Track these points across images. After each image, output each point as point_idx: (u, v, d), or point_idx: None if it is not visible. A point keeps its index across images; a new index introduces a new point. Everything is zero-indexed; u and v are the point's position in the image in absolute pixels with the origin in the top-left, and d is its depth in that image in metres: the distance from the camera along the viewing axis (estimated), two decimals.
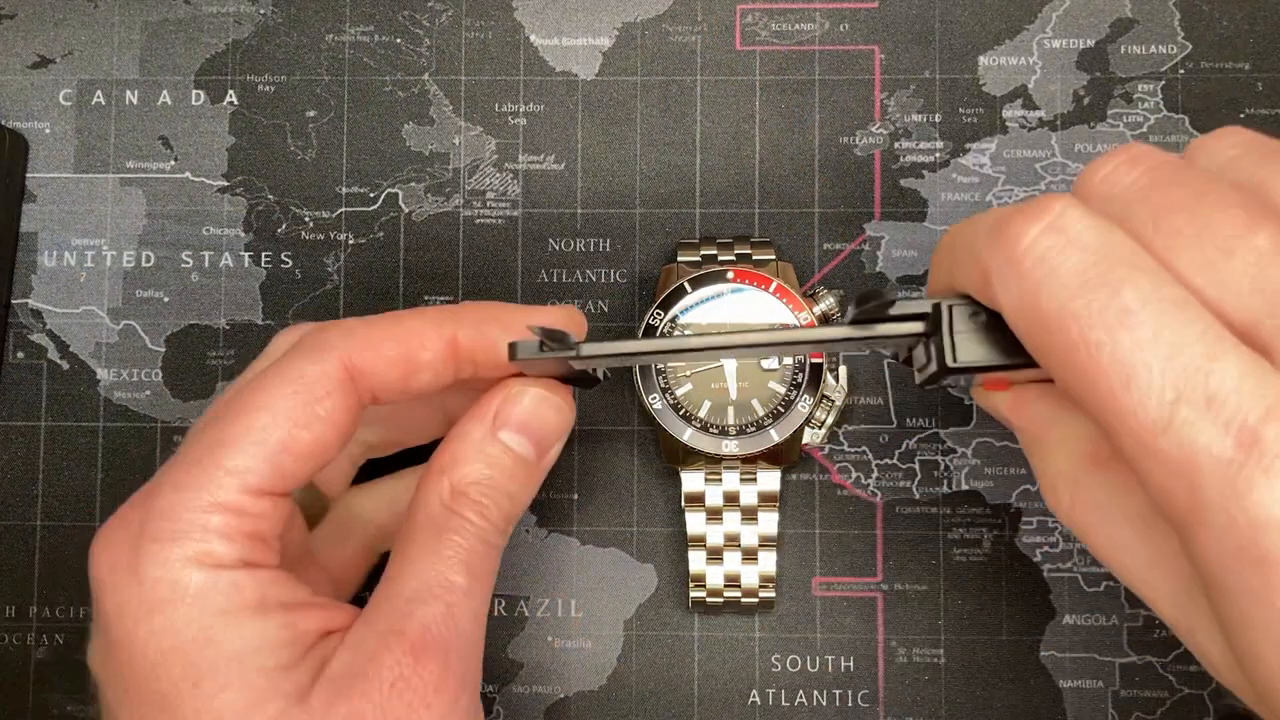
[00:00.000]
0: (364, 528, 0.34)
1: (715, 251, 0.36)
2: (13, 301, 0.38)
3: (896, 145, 0.38)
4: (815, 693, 0.37)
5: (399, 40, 0.39)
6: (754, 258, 0.36)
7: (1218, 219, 0.21)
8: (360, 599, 0.34)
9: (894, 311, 0.25)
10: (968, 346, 0.24)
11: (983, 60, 0.39)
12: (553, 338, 0.27)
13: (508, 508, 0.28)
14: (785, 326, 0.29)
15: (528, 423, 0.29)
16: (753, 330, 0.27)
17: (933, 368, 0.25)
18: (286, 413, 0.26)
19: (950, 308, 0.25)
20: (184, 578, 0.25)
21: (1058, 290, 0.21)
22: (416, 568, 0.27)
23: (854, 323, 0.26)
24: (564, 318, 0.30)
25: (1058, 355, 0.21)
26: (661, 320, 0.35)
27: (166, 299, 0.38)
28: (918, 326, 0.25)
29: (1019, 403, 0.28)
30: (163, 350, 0.38)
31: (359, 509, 0.34)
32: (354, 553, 0.33)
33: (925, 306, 0.25)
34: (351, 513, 0.33)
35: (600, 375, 0.31)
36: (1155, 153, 0.23)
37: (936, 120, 0.38)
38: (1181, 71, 0.38)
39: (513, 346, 0.27)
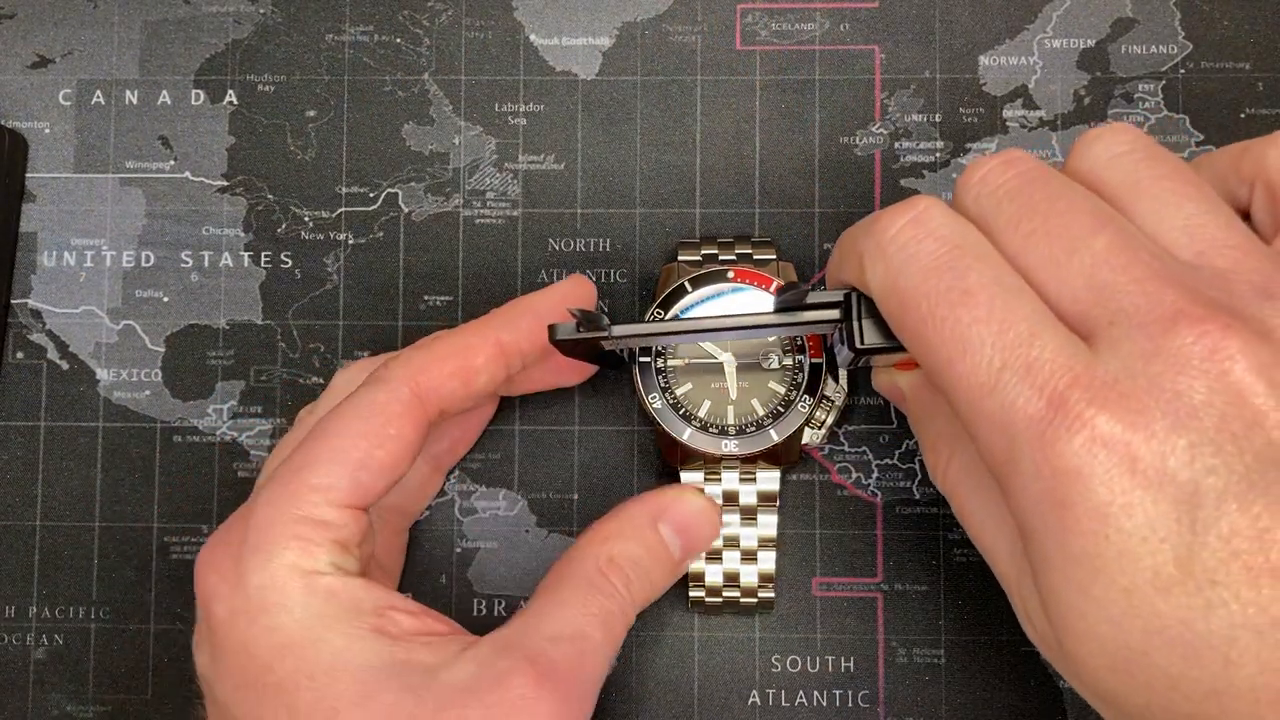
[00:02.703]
0: (381, 511, 0.35)
1: (716, 251, 0.36)
2: (12, 301, 0.38)
3: (896, 145, 0.38)
4: (815, 693, 0.37)
5: (399, 40, 0.39)
6: (754, 257, 0.36)
7: (1067, 221, 0.24)
8: (415, 588, 0.37)
9: (811, 300, 0.29)
10: (873, 331, 0.28)
11: (983, 60, 0.38)
12: (589, 319, 0.30)
13: (648, 590, 0.31)
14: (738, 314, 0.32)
15: (686, 527, 0.32)
16: (716, 317, 0.31)
17: (846, 350, 0.29)
18: (362, 435, 0.29)
19: (859, 297, 0.28)
20: (286, 583, 0.28)
21: (914, 272, 0.25)
22: (561, 613, 0.29)
23: (777, 310, 0.30)
24: (573, 287, 0.33)
25: (911, 329, 0.25)
26: (662, 320, 0.35)
27: (166, 299, 0.38)
28: (833, 314, 0.29)
29: (922, 380, 0.31)
30: (162, 350, 0.38)
31: None
32: (386, 536, 0.35)
33: (838, 296, 0.29)
34: None
35: (628, 357, 0.35)
36: (1028, 158, 0.26)
37: (936, 120, 0.38)
38: (1182, 71, 0.38)
39: (552, 328, 0.30)
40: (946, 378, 0.24)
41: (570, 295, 0.33)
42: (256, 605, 0.27)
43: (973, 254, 0.25)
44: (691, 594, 0.36)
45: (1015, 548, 0.26)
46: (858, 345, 0.29)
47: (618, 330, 0.30)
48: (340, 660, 0.27)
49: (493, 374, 0.32)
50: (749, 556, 0.35)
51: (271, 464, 0.32)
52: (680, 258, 0.36)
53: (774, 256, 0.36)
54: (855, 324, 0.29)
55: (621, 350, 0.33)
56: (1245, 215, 0.28)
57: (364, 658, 0.27)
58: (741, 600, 0.35)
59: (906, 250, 0.25)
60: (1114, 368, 0.22)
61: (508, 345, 0.32)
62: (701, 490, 0.34)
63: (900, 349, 0.28)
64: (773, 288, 0.35)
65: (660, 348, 0.35)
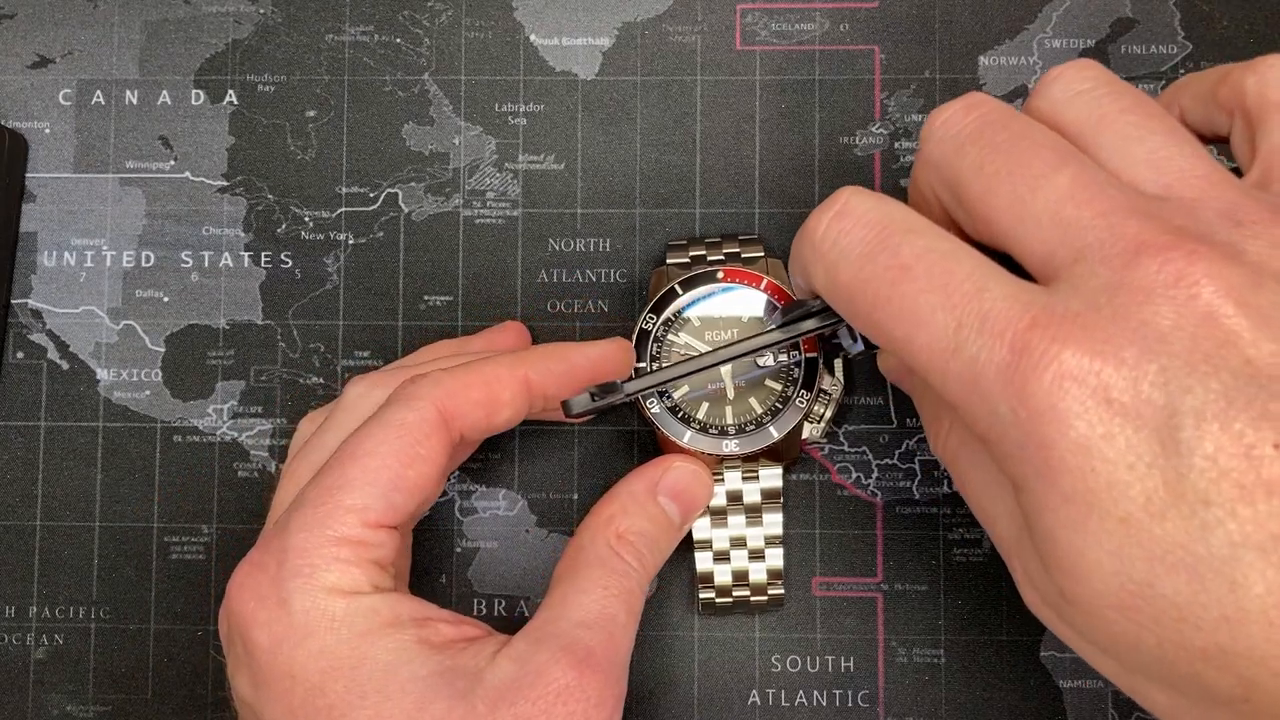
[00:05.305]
0: None
1: (704, 251, 0.36)
2: (13, 301, 0.38)
3: (896, 145, 0.38)
4: (815, 693, 0.37)
5: (399, 40, 0.39)
6: (743, 255, 0.36)
7: (1029, 160, 0.24)
8: (415, 588, 0.36)
9: (815, 308, 0.30)
10: None
11: (983, 60, 0.38)
12: (603, 389, 0.31)
13: (657, 559, 0.33)
14: (749, 336, 0.32)
15: (680, 492, 0.33)
16: (729, 344, 0.32)
17: (859, 346, 0.30)
18: (393, 455, 0.29)
19: None
20: (329, 606, 0.28)
21: (849, 264, 0.25)
22: (584, 599, 0.30)
23: (782, 326, 0.31)
24: (614, 350, 0.33)
25: (864, 318, 0.25)
26: (654, 324, 0.35)
27: (166, 299, 0.38)
28: (833, 318, 0.30)
29: None
30: (162, 350, 0.38)
31: None
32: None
33: None
34: None
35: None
36: (989, 101, 0.26)
37: None
38: (1181, 71, 0.38)
39: (566, 405, 0.31)
40: (911, 354, 0.24)
41: (609, 357, 0.33)
42: (301, 629, 0.28)
43: (901, 229, 0.25)
44: (701, 595, 0.35)
45: (1012, 510, 0.25)
46: (864, 346, 0.30)
47: (629, 387, 0.31)
48: (390, 676, 0.27)
49: (516, 409, 0.32)
50: (756, 555, 0.35)
51: (285, 485, 0.32)
52: (669, 260, 0.36)
53: (762, 254, 0.36)
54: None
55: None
56: (1225, 141, 0.27)
57: (411, 670, 0.27)
58: (752, 599, 0.35)
59: (839, 245, 0.25)
60: (1076, 303, 0.22)
61: (534, 385, 0.32)
62: (690, 455, 0.34)
63: None
64: (763, 285, 0.35)
65: (655, 352, 0.35)
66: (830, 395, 0.35)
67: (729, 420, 0.34)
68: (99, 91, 0.39)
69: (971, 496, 0.28)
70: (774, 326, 0.31)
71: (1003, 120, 0.25)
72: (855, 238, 0.25)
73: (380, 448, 0.29)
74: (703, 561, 0.35)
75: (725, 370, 0.35)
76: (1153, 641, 0.21)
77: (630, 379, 0.32)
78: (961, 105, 0.26)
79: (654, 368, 0.35)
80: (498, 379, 0.31)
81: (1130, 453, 0.21)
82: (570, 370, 0.32)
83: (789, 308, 0.30)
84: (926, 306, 0.23)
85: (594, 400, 0.31)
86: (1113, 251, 0.22)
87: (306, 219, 0.39)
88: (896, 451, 0.37)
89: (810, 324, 0.30)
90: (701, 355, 0.32)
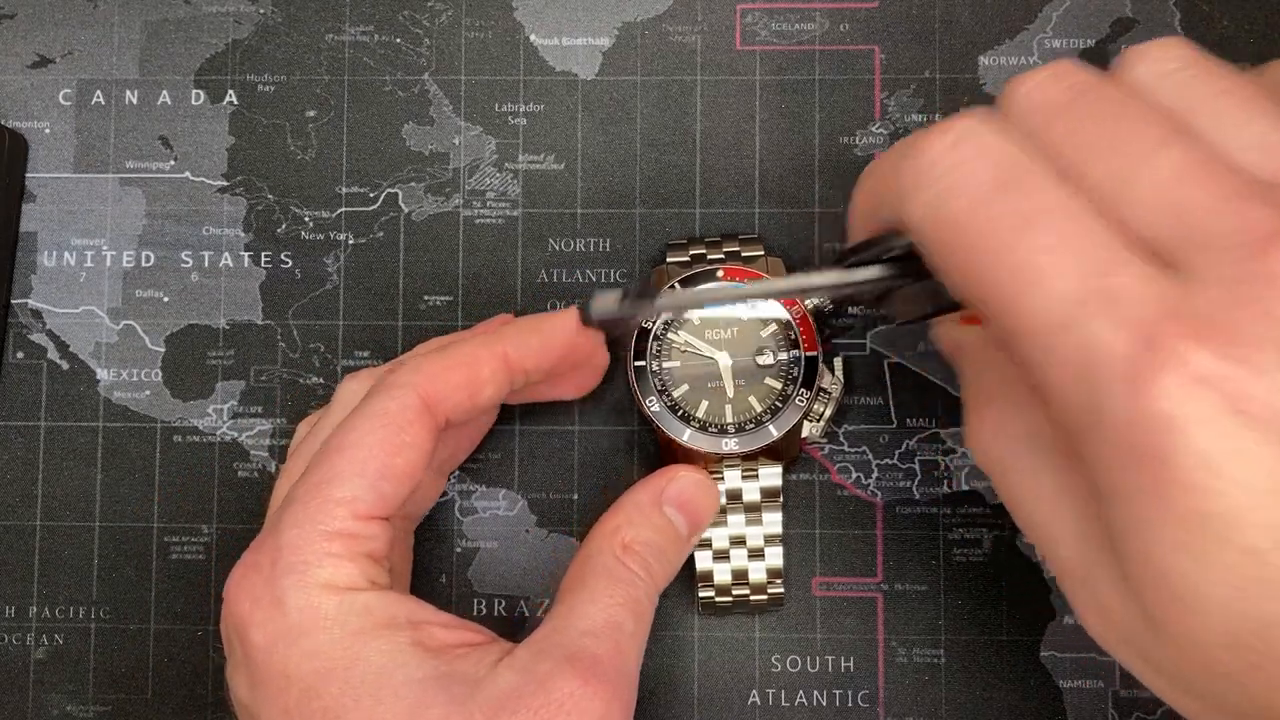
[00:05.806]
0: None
1: (704, 250, 0.36)
2: (13, 301, 0.38)
3: None
4: (815, 693, 0.37)
5: (399, 40, 0.39)
6: (743, 254, 0.36)
7: (1133, 135, 0.21)
8: (415, 588, 0.36)
9: (898, 248, 0.25)
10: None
11: (983, 60, 0.39)
12: (639, 292, 0.29)
13: (666, 570, 0.32)
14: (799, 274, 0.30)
15: (686, 501, 0.33)
16: (775, 279, 0.30)
17: (926, 308, 0.26)
18: (379, 444, 0.29)
19: None
20: (321, 603, 0.28)
21: (965, 196, 0.22)
22: (590, 608, 0.30)
23: (846, 265, 0.26)
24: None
25: (962, 259, 0.22)
26: (655, 322, 0.35)
27: (166, 299, 0.38)
28: (906, 270, 0.25)
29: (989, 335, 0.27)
30: (162, 350, 0.38)
31: None
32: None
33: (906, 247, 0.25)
34: None
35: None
36: (1079, 70, 0.23)
37: (936, 120, 0.38)
38: None
39: (587, 306, 0.30)
40: (1010, 317, 0.21)
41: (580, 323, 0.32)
42: (296, 628, 0.27)
43: (1032, 172, 0.21)
44: (701, 595, 0.35)
45: (1084, 527, 0.22)
46: (951, 299, 0.24)
47: (662, 301, 0.29)
48: (384, 678, 0.27)
49: (498, 387, 0.32)
50: (756, 554, 0.35)
51: (282, 486, 0.32)
52: (669, 259, 0.36)
53: (762, 253, 0.36)
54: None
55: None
56: None
57: (406, 673, 0.27)
58: (752, 599, 0.35)
59: (955, 173, 0.22)
60: (1205, 298, 0.19)
61: (513, 361, 0.31)
62: (690, 454, 0.34)
63: None
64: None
65: (655, 350, 0.35)
66: (830, 394, 0.35)
67: (728, 419, 0.34)
68: (99, 91, 0.39)
69: (1023, 505, 0.24)
70: (832, 267, 0.26)
71: (1098, 91, 0.22)
72: (979, 170, 0.22)
73: (365, 438, 0.29)
74: (702, 560, 0.35)
75: (725, 368, 0.35)
76: (1262, 688, 0.19)
77: (664, 295, 0.29)
78: (1049, 74, 0.23)
79: (655, 366, 0.35)
80: (476, 359, 0.31)
81: (1265, 474, 0.18)
82: (546, 342, 0.32)
83: (857, 248, 0.25)
84: (1051, 267, 0.20)
85: (622, 302, 0.29)
86: (1240, 240, 0.19)
87: (306, 219, 0.39)
88: (896, 451, 0.37)
89: (872, 272, 0.25)
90: (745, 287, 0.30)
